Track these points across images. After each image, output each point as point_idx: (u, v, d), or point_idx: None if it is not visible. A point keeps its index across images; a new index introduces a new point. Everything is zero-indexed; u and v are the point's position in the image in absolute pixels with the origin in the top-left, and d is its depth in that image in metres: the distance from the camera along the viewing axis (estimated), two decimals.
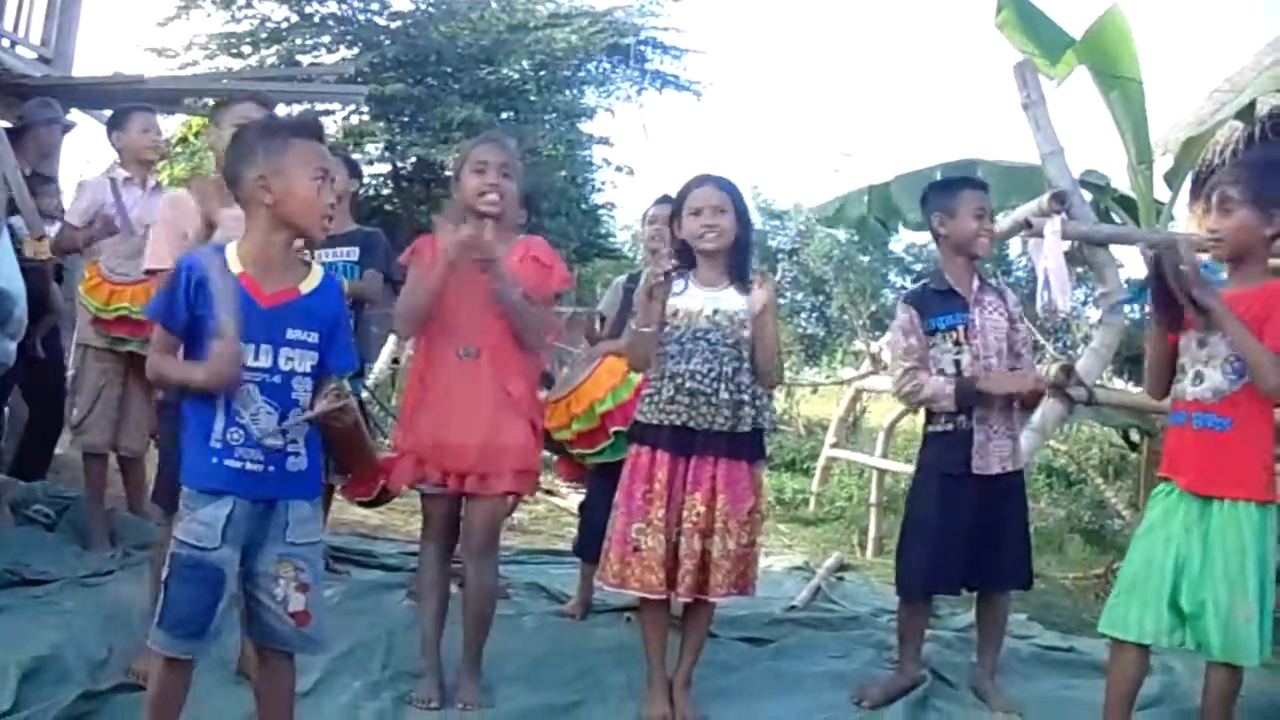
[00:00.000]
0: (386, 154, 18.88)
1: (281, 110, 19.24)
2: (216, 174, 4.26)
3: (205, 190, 4.08)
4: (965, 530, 4.31)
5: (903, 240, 24.14)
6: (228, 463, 2.96)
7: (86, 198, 5.85)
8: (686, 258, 4.14)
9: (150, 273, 4.24)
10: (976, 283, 4.42)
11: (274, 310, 3.01)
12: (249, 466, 2.96)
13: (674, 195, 4.25)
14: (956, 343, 4.37)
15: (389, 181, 19.41)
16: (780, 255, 25.93)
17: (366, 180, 18.18)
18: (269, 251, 3.05)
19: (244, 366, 2.94)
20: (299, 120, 3.51)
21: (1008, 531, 4.38)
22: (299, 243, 3.18)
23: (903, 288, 25.14)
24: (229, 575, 2.97)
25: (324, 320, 3.09)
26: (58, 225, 6.01)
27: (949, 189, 4.55)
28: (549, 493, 8.64)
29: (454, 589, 4.32)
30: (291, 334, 3.01)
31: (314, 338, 3.05)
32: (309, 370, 3.05)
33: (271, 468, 2.99)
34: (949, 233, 4.44)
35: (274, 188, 3.01)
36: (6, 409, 6.58)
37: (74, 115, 7.74)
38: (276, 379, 3.00)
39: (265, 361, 2.98)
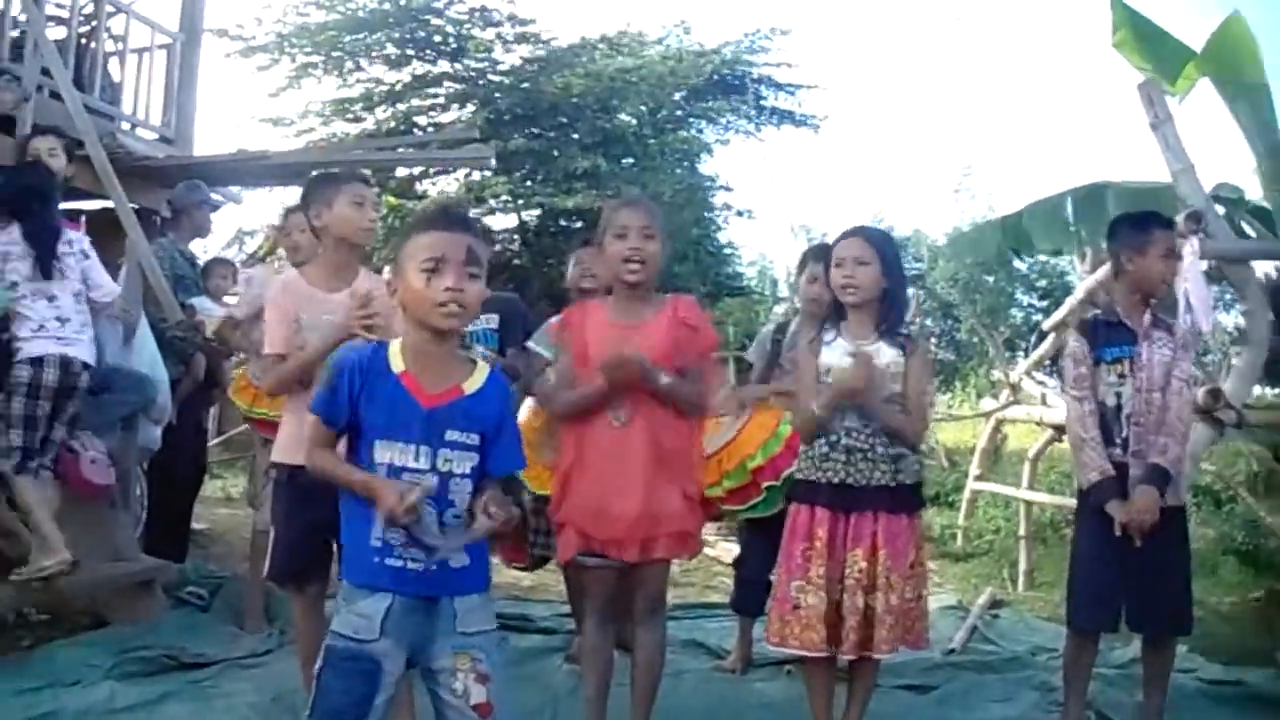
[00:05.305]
0: (510, 207, 19.04)
1: (402, 173, 19.29)
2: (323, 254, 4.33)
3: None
4: (1125, 565, 4.22)
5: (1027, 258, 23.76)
6: (389, 562, 2.90)
7: (253, 290, 6.02)
8: (839, 309, 4.16)
9: (280, 357, 4.15)
10: (1149, 318, 4.38)
11: (435, 411, 2.95)
12: (410, 565, 2.89)
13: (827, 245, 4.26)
14: (1120, 375, 4.35)
15: (514, 235, 19.52)
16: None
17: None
18: (421, 349, 3.01)
19: (402, 468, 2.90)
20: (434, 212, 3.46)
21: (1169, 572, 4.29)
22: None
23: (1030, 305, 24.80)
24: (388, 669, 2.87)
25: (486, 422, 3.01)
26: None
27: (1142, 226, 4.49)
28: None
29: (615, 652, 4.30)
30: (450, 435, 2.95)
31: (474, 439, 2.99)
32: (468, 472, 2.97)
33: (434, 566, 2.89)
34: (1135, 269, 4.43)
35: (398, 288, 3.03)
36: (140, 487, 6.72)
37: None
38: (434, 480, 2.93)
39: (423, 463, 2.91)
